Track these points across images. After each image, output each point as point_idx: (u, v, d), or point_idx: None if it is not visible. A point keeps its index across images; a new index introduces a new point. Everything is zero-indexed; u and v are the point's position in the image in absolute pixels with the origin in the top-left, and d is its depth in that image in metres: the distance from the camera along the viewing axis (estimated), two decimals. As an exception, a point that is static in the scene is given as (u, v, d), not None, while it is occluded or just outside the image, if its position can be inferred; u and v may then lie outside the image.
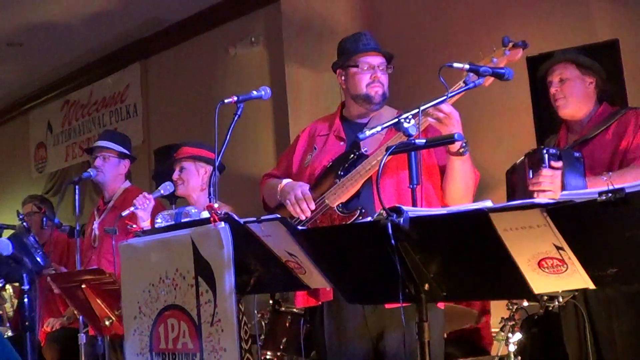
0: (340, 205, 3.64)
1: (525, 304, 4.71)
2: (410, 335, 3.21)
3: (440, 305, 3.60)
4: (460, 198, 3.56)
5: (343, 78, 3.88)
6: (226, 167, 4.86)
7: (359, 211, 3.58)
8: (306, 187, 3.72)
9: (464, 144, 3.36)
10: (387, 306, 3.45)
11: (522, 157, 3.83)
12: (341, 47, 3.90)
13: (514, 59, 3.39)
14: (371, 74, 3.77)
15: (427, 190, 3.55)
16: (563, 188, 3.48)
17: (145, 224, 4.78)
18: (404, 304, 2.53)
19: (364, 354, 3.62)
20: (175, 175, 4.92)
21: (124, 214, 4.81)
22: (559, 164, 3.55)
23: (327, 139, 3.90)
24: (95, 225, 5.48)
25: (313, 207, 3.67)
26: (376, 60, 3.79)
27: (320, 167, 3.80)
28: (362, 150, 3.67)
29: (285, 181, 3.83)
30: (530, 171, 3.64)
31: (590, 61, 4.01)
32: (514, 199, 3.83)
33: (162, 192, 4.89)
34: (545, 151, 3.58)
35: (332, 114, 4.02)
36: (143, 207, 4.81)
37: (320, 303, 3.72)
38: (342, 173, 3.66)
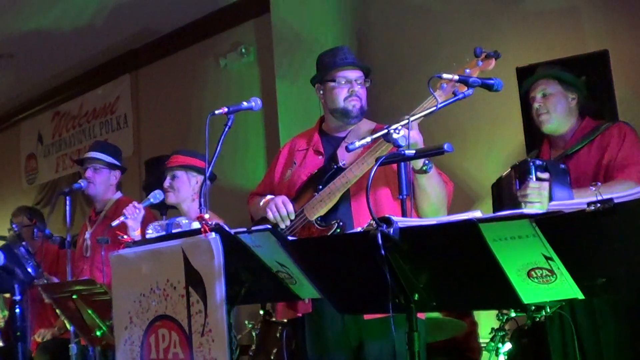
0: (319, 218, 3.64)
1: (513, 314, 4.72)
2: (393, 345, 3.27)
3: (421, 315, 3.59)
4: (431, 212, 3.55)
5: (321, 92, 3.88)
6: (221, 179, 4.86)
7: (336, 224, 3.59)
8: (286, 198, 3.74)
9: (427, 161, 3.36)
10: (366, 317, 3.47)
11: (508, 169, 3.84)
12: (319, 61, 3.91)
13: (487, 69, 3.39)
14: (348, 88, 3.78)
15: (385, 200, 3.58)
16: (550, 200, 3.50)
17: (136, 234, 4.76)
18: (392, 314, 2.53)
19: None
20: (166, 183, 4.89)
21: (114, 224, 4.79)
22: (546, 175, 3.57)
23: (306, 154, 3.91)
24: (87, 235, 5.46)
25: (293, 215, 3.68)
26: (353, 74, 3.80)
27: (299, 181, 3.82)
28: (340, 164, 3.68)
29: (268, 196, 3.84)
30: (517, 182, 3.66)
31: (573, 77, 4.04)
32: (502, 210, 3.85)
33: (151, 200, 4.86)
34: (531, 163, 3.60)
35: (312, 129, 4.03)
36: (133, 217, 4.79)
37: (300, 315, 3.72)
38: (320, 187, 3.67)
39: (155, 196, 4.87)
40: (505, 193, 3.86)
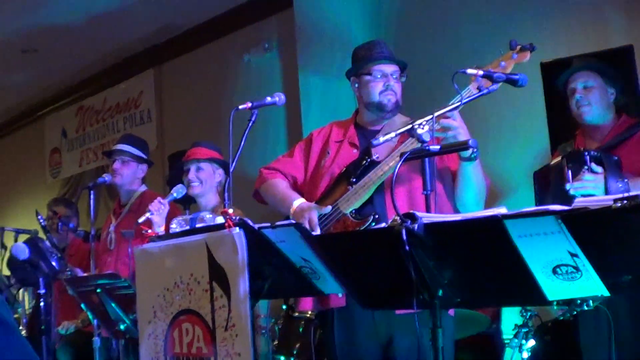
0: (353, 211, 3.64)
1: (533, 312, 4.70)
2: (422, 341, 3.25)
3: (450, 311, 3.59)
4: (473, 203, 3.56)
5: (357, 86, 3.87)
6: (239, 173, 4.86)
7: (372, 217, 3.58)
8: (314, 213, 3.68)
9: (475, 149, 3.36)
10: (397, 312, 3.46)
11: (558, 159, 3.81)
12: (355, 54, 3.90)
13: (522, 61, 3.38)
14: (384, 82, 3.77)
15: (440, 196, 3.55)
16: (606, 192, 3.48)
17: (160, 229, 4.79)
18: (417, 310, 2.52)
19: (373, 359, 3.63)
20: (191, 175, 4.90)
21: (140, 220, 4.81)
22: (600, 167, 3.55)
23: (340, 146, 3.90)
24: (112, 228, 5.49)
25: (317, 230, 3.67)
26: (389, 68, 3.79)
27: (333, 173, 3.81)
28: (374, 157, 3.67)
29: (296, 204, 3.79)
30: (570, 172, 3.63)
31: (614, 71, 4.01)
32: (547, 200, 3.84)
33: (175, 195, 4.89)
34: (586, 154, 3.58)
35: (348, 120, 4.02)
36: (158, 213, 4.82)
37: (330, 308, 3.72)
38: (354, 180, 3.66)
39: (179, 191, 4.89)
40: (554, 182, 3.83)
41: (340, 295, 3.56)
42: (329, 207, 3.65)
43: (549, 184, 3.90)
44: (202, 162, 4.93)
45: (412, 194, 3.60)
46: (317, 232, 3.62)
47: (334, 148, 3.91)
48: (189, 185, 4.89)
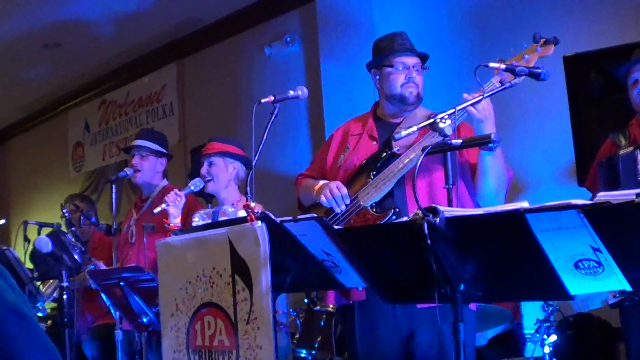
0: (373, 204, 3.64)
1: (555, 306, 4.68)
2: (444, 336, 3.26)
3: (472, 306, 3.59)
4: (491, 195, 3.52)
5: (378, 77, 3.86)
6: (260, 167, 4.87)
7: (392, 210, 3.58)
8: (340, 183, 3.73)
9: (496, 140, 3.34)
10: (419, 306, 3.46)
11: (630, 149, 3.80)
12: (376, 46, 3.89)
13: (546, 54, 3.36)
14: (406, 74, 3.76)
15: (461, 190, 3.54)
16: None
17: (177, 221, 4.82)
18: (439, 304, 2.53)
19: (394, 353, 3.63)
20: (203, 170, 4.92)
21: (155, 211, 4.85)
22: None
23: (360, 139, 3.90)
24: (133, 221, 5.52)
25: (348, 199, 3.68)
26: (411, 60, 3.78)
27: (352, 166, 3.81)
28: (394, 150, 3.67)
29: (321, 182, 3.84)
30: None
31: None
32: (613, 190, 3.82)
33: (192, 188, 4.90)
34: None
35: (366, 114, 4.02)
36: (174, 204, 4.84)
37: (351, 302, 3.73)
38: (374, 172, 3.66)
39: (196, 184, 4.90)
40: (625, 172, 3.79)
41: (360, 288, 3.57)
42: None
43: (617, 174, 3.86)
44: (213, 156, 4.94)
45: (432, 188, 3.60)
46: (345, 193, 3.66)
47: (352, 142, 3.91)
48: (204, 181, 4.92)
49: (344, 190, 3.69)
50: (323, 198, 3.71)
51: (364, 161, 3.77)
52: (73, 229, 5.39)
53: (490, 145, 3.32)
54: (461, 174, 3.60)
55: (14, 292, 1.61)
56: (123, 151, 7.01)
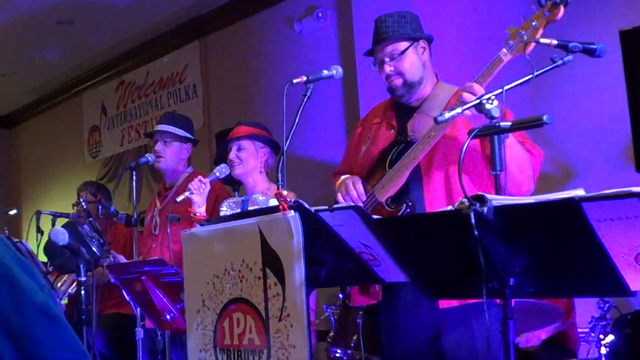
0: (389, 199, 3.64)
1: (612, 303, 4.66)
2: (471, 335, 3.39)
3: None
4: (516, 184, 3.45)
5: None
6: (291, 152, 4.87)
7: (405, 205, 3.58)
8: (357, 178, 3.76)
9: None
10: (441, 305, 3.49)
11: None
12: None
13: (555, 19, 3.30)
14: (382, 70, 3.81)
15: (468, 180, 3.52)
16: None
17: (201, 210, 4.82)
18: (487, 300, 2.53)
19: (422, 354, 3.66)
20: (232, 155, 4.91)
21: (178, 199, 4.84)
22: None
23: (379, 127, 3.91)
24: (157, 212, 5.52)
25: (364, 196, 3.70)
26: (386, 50, 3.78)
27: (372, 157, 3.83)
28: (410, 137, 3.66)
29: (342, 177, 3.87)
30: None
31: None
32: None
33: (217, 174, 4.89)
34: None
35: (387, 101, 4.02)
36: (199, 192, 4.84)
37: (376, 302, 3.75)
38: (389, 164, 3.67)
39: (221, 170, 4.89)
40: None
41: (377, 288, 3.59)
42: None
43: None
44: (243, 139, 4.94)
45: (449, 181, 3.58)
46: (361, 190, 3.70)
47: (373, 131, 3.93)
48: (231, 166, 4.92)
49: (360, 187, 3.71)
50: (339, 197, 3.74)
51: (381, 151, 3.78)
52: (91, 219, 5.42)
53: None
54: (473, 166, 3.57)
55: (43, 291, 1.64)
56: (145, 136, 7.03)
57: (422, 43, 3.82)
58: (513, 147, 3.38)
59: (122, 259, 5.46)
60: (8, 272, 1.59)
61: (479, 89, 3.28)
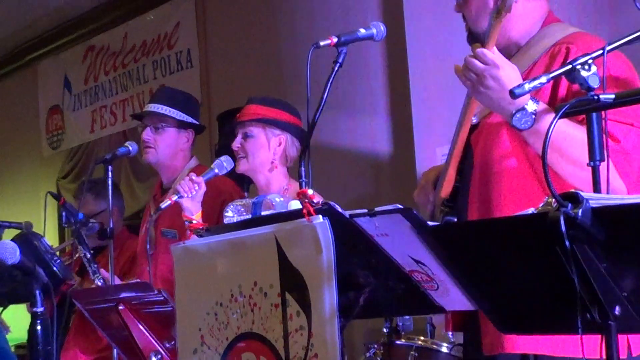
0: (445, 200, 3.64)
1: None
2: None
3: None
4: (571, 175, 3.43)
5: None
6: (318, 140, 4.84)
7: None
8: (429, 173, 3.81)
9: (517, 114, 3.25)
10: (485, 354, 3.49)
11: None
12: None
13: None
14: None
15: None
16: None
17: (196, 218, 4.74)
18: (583, 334, 2.52)
19: None
20: (235, 144, 4.89)
21: (162, 205, 4.77)
22: None
23: None
24: (151, 223, 5.37)
25: (431, 197, 3.73)
26: None
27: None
28: (474, 120, 3.63)
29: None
30: None
31: None
32: None
33: (216, 171, 4.83)
34: None
35: None
36: (190, 195, 4.80)
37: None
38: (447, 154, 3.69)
39: (222, 165, 4.83)
40: None
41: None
42: None
43: None
44: (249, 125, 4.90)
45: (483, 172, 3.56)
46: (430, 194, 3.75)
47: None
48: (236, 159, 4.90)
49: (429, 185, 3.74)
50: (415, 196, 3.75)
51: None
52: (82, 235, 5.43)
53: (512, 123, 3.25)
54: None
55: None
56: (133, 118, 7.00)
57: None
58: (538, 136, 3.32)
59: (117, 281, 5.42)
60: None
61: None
